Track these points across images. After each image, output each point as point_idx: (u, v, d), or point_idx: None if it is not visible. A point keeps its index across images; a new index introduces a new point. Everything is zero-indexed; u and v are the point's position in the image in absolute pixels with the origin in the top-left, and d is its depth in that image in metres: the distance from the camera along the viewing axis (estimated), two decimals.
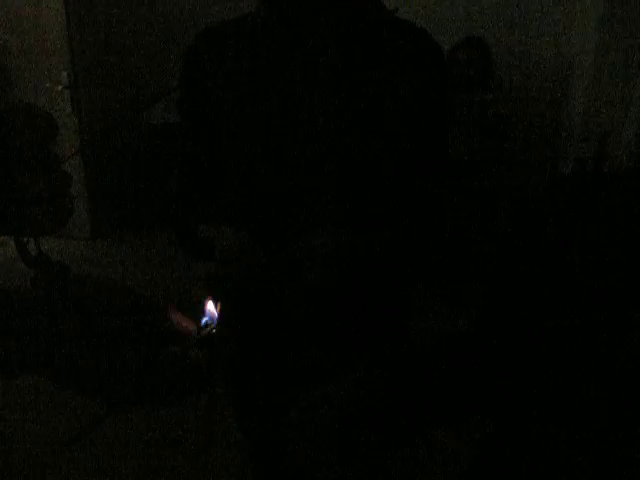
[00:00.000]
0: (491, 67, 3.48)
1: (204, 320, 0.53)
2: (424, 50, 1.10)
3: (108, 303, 0.49)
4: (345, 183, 1.08)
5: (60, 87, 3.75)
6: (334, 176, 1.07)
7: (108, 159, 4.02)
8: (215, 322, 0.52)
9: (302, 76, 1.06)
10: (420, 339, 1.17)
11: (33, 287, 0.46)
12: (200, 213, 1.17)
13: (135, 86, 4.09)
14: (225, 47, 1.10)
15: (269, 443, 1.31)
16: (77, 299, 0.48)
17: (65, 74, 3.73)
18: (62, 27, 3.66)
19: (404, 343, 1.28)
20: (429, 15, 3.51)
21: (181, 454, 2.13)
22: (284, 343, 1.19)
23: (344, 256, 1.03)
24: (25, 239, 0.47)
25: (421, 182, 1.16)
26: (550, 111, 3.49)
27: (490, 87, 3.42)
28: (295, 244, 1.03)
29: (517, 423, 0.85)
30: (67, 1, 3.62)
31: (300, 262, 1.02)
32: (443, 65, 1.12)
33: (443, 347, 0.93)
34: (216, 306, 0.53)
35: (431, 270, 1.26)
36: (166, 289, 3.17)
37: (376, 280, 1.16)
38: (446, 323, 2.70)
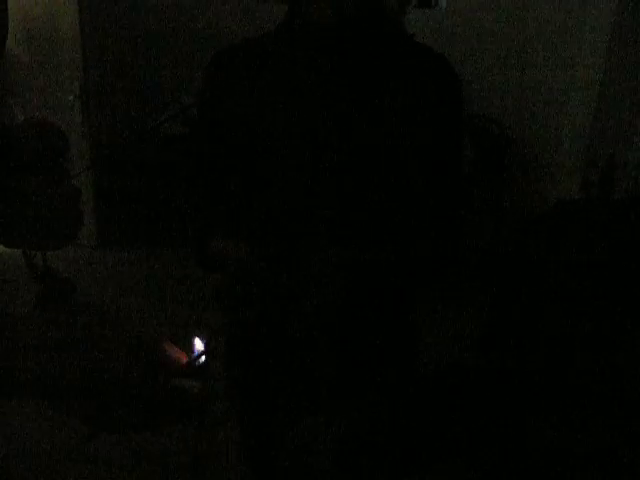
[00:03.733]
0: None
1: (195, 352, 0.54)
2: (441, 75, 1.10)
3: (109, 336, 0.50)
4: (353, 205, 1.08)
5: (71, 97, 3.78)
6: (342, 197, 1.07)
7: (117, 168, 4.03)
8: (203, 356, 0.53)
9: (316, 100, 1.07)
10: (424, 369, 1.16)
11: (38, 303, 0.46)
12: (214, 227, 1.18)
13: (146, 97, 4.12)
14: (243, 67, 1.11)
15: (271, 466, 1.30)
16: (79, 329, 0.49)
17: (77, 84, 3.76)
18: (76, 37, 3.69)
19: (410, 372, 1.27)
20: None
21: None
22: (288, 364, 1.18)
23: (350, 276, 1.03)
24: (33, 253, 0.48)
25: (435, 204, 1.15)
26: (553, 134, 3.50)
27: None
28: (303, 263, 1.03)
29: (522, 452, 0.84)
30: (82, 12, 3.66)
31: (307, 281, 1.02)
32: (460, 91, 1.12)
33: (447, 378, 0.92)
34: (203, 344, 0.54)
35: (436, 291, 1.26)
36: (171, 301, 3.17)
37: (381, 300, 1.16)
38: (450, 353, 2.69)
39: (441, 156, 1.12)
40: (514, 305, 0.87)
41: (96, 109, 3.87)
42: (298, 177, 1.08)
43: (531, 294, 0.83)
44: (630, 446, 0.71)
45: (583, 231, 0.82)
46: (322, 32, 1.04)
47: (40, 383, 0.48)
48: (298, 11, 1.06)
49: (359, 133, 1.06)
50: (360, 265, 1.05)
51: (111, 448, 2.21)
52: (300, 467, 0.82)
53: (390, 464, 0.84)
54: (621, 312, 0.73)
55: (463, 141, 1.18)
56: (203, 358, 0.55)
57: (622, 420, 0.72)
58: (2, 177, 0.42)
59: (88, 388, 0.49)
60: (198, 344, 0.56)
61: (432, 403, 0.89)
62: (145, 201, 3.83)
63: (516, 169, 3.58)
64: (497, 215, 3.50)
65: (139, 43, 4.08)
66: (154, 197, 3.60)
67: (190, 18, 4.07)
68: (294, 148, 1.07)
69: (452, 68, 1.10)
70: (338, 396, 1.10)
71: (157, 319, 2.88)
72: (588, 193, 2.50)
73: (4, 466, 2.07)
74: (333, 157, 1.06)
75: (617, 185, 2.52)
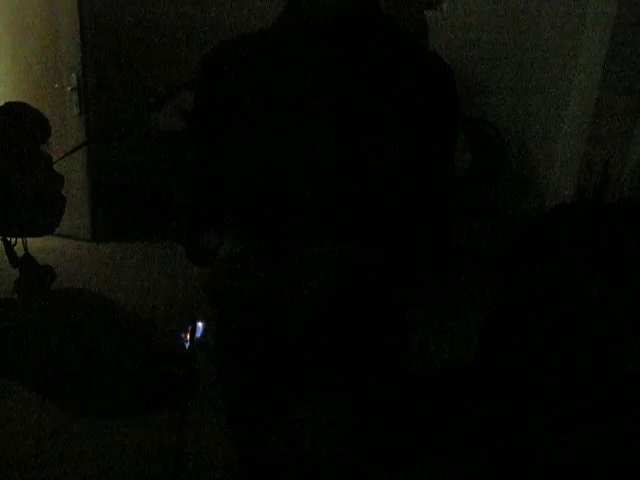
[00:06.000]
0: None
1: (184, 337, 0.54)
2: (434, 73, 1.10)
3: (95, 319, 0.50)
4: (345, 199, 1.08)
5: (69, 88, 3.77)
6: (334, 192, 1.08)
7: (112, 162, 4.03)
8: (191, 340, 0.53)
9: (311, 96, 1.07)
10: (417, 367, 1.16)
11: (16, 288, 0.46)
12: (204, 221, 1.19)
13: (143, 91, 4.12)
14: (240, 61, 1.12)
15: (261, 456, 1.30)
16: (64, 313, 0.48)
17: (74, 76, 3.75)
18: (75, 30, 3.68)
19: (399, 368, 1.28)
20: None
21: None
22: (279, 356, 1.19)
23: (341, 270, 1.03)
24: (12, 240, 0.47)
25: (424, 201, 1.16)
26: (549, 137, 3.50)
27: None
28: (293, 257, 1.03)
29: (516, 453, 0.84)
30: (81, 4, 3.65)
31: (298, 276, 1.03)
32: (454, 88, 1.12)
33: (441, 377, 0.92)
34: (197, 330, 0.54)
35: (429, 290, 1.26)
36: (163, 295, 3.17)
37: (373, 295, 1.16)
38: (445, 351, 2.69)
39: (433, 153, 1.12)
40: (513, 306, 0.87)
41: (93, 101, 3.87)
42: (291, 171, 1.09)
43: (530, 295, 0.83)
44: (630, 445, 0.71)
45: (580, 235, 0.82)
46: (319, 28, 1.04)
47: (27, 366, 0.48)
48: (296, 7, 1.06)
49: (353, 128, 1.07)
50: (351, 260, 1.05)
51: (95, 434, 2.20)
52: (290, 457, 0.82)
53: (380, 458, 0.84)
54: (619, 312, 0.74)
55: (456, 139, 1.18)
56: (193, 341, 0.56)
57: (622, 419, 0.72)
58: None
59: (77, 373, 0.49)
60: (190, 330, 0.57)
61: (426, 400, 0.89)
62: (140, 195, 3.83)
63: (512, 172, 3.58)
64: (493, 217, 3.51)
65: (137, 35, 4.07)
66: (148, 191, 3.60)
67: (189, 10, 4.07)
68: (289, 142, 1.08)
69: (445, 65, 1.11)
70: (329, 388, 1.10)
71: (151, 312, 2.88)
72: (583, 197, 2.51)
73: None
74: (327, 152, 1.07)
75: (611, 190, 2.53)
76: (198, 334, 0.53)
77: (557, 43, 3.38)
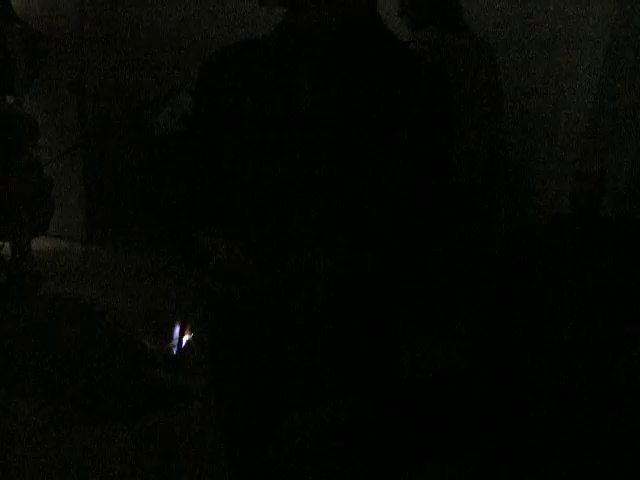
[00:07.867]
0: None
1: (172, 341, 0.54)
2: (433, 85, 1.11)
3: (81, 326, 0.50)
4: (341, 205, 1.09)
5: (67, 91, 3.78)
6: (331, 197, 1.08)
7: (108, 164, 4.04)
8: (178, 344, 0.53)
9: (309, 104, 1.08)
10: (411, 373, 1.17)
11: (1, 293, 0.45)
12: (200, 223, 1.19)
13: (142, 95, 4.12)
14: (239, 67, 1.13)
15: (254, 462, 1.30)
16: (48, 320, 0.48)
17: (73, 79, 3.76)
18: (74, 32, 3.69)
19: (393, 374, 1.28)
20: None
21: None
22: (273, 361, 1.19)
23: (336, 276, 1.04)
24: (0, 244, 0.47)
25: (421, 208, 1.16)
26: (545, 145, 3.50)
27: None
28: (288, 262, 1.04)
29: (508, 459, 0.84)
30: (81, 7, 3.65)
31: (292, 280, 1.03)
32: (450, 101, 1.13)
33: (436, 384, 0.92)
34: (183, 330, 0.54)
35: (424, 300, 1.26)
36: (156, 297, 3.17)
37: (367, 301, 1.17)
38: (439, 359, 2.69)
39: (428, 164, 1.13)
40: (509, 314, 0.88)
41: (91, 104, 3.87)
42: (288, 178, 1.09)
43: (526, 304, 0.84)
44: (628, 447, 0.72)
45: (575, 246, 0.83)
46: (320, 37, 1.05)
47: (12, 372, 0.48)
48: (297, 15, 1.07)
49: (349, 138, 1.07)
50: (345, 266, 1.06)
51: (82, 439, 2.19)
52: (286, 462, 0.83)
53: (376, 462, 0.84)
54: (614, 321, 0.74)
55: (452, 147, 1.19)
56: (181, 346, 0.55)
57: (621, 422, 0.73)
58: None
59: (64, 379, 0.49)
60: (176, 334, 0.56)
61: (421, 405, 0.89)
62: (135, 196, 3.83)
63: (506, 180, 3.58)
64: (487, 226, 3.51)
65: (136, 38, 4.08)
66: (143, 193, 3.60)
67: (190, 17, 4.07)
68: (286, 149, 1.08)
69: (444, 77, 1.12)
70: (325, 393, 1.10)
71: (143, 314, 2.88)
72: (577, 206, 2.51)
73: None
74: (324, 160, 1.07)
75: (605, 200, 2.54)
76: (175, 337, 0.53)
77: (554, 51, 3.40)
